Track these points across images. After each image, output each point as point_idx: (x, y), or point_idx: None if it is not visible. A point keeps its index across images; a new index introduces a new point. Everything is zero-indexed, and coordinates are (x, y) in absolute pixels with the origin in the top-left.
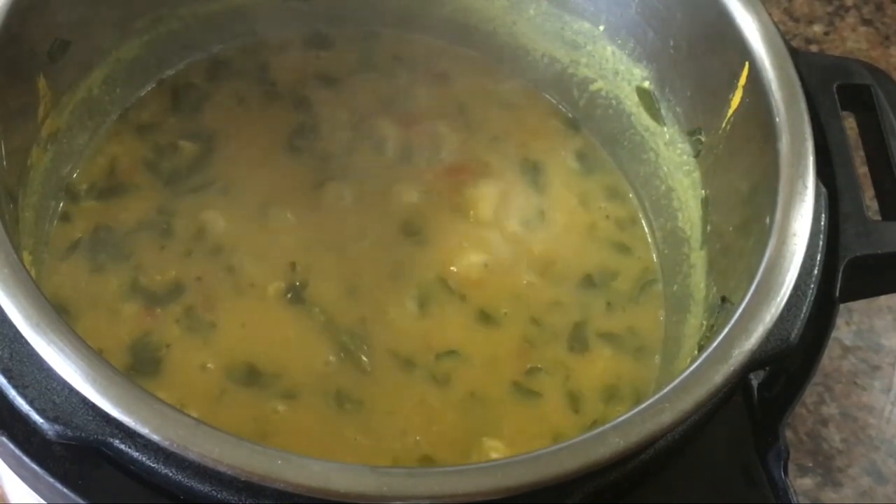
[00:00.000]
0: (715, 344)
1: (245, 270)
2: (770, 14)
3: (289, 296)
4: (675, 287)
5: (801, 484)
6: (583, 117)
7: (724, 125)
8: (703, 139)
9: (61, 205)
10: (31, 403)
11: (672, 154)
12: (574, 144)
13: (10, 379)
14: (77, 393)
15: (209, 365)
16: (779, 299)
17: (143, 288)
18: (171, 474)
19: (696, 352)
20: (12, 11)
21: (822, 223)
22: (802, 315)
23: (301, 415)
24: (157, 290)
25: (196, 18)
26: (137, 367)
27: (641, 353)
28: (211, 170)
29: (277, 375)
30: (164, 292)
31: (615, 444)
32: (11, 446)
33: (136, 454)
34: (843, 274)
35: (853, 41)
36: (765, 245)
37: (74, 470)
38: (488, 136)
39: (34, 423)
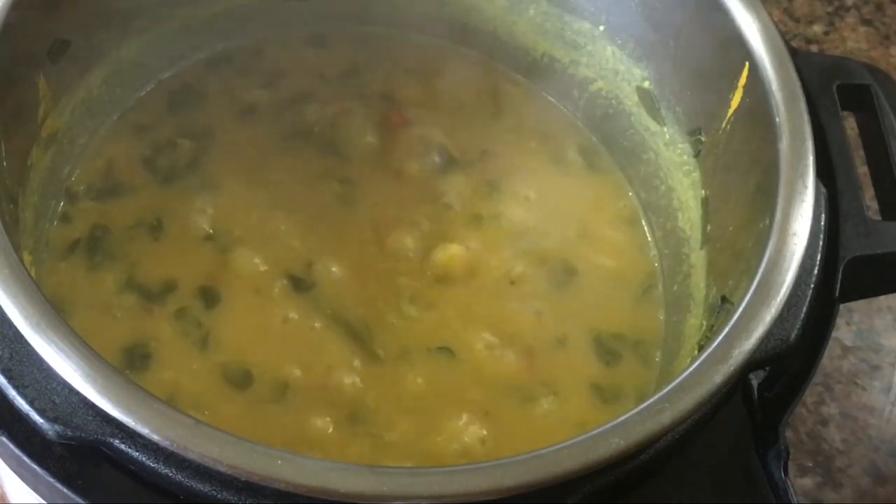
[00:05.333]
0: (715, 344)
1: (244, 269)
2: (770, 14)
3: (292, 293)
4: (675, 287)
5: (801, 484)
6: (583, 117)
7: (724, 125)
8: (703, 139)
9: (61, 205)
10: (31, 403)
11: (672, 154)
12: (574, 144)
13: (10, 379)
14: (77, 393)
15: (208, 364)
16: (779, 299)
17: (141, 287)
18: (171, 474)
19: (696, 352)
20: (12, 11)
21: (822, 223)
22: (802, 315)
23: (302, 413)
24: (154, 289)
25: (196, 18)
26: (133, 367)
27: (642, 354)
28: (209, 169)
29: (277, 372)
30: (161, 292)
31: (615, 444)
32: (11, 446)
33: (136, 454)
34: (843, 274)
35: (853, 41)
36: (765, 245)
37: (74, 470)
38: (488, 136)
39: (34, 423)
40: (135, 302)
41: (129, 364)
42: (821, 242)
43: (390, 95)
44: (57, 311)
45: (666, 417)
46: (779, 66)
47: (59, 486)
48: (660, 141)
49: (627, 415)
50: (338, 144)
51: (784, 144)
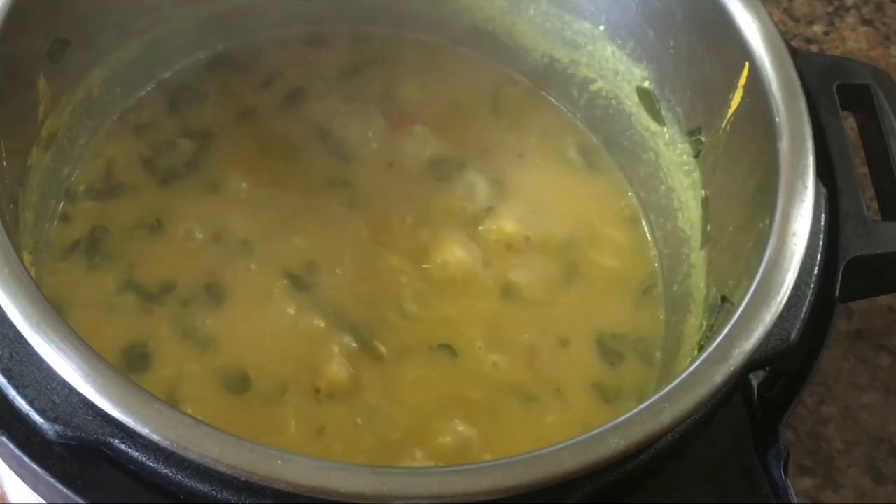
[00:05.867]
0: (715, 344)
1: (244, 269)
2: (770, 14)
3: (293, 292)
4: (675, 287)
5: (801, 484)
6: (583, 117)
7: (724, 125)
8: (703, 139)
9: (61, 205)
10: (31, 403)
11: (672, 154)
12: (574, 144)
13: (10, 379)
14: (77, 393)
15: (208, 364)
16: (779, 299)
17: (140, 288)
18: (171, 474)
19: (696, 352)
20: (12, 11)
21: (822, 223)
22: (802, 315)
23: (304, 413)
24: (154, 290)
25: (196, 18)
26: (132, 368)
27: (643, 354)
28: (209, 169)
29: (278, 373)
30: (160, 293)
31: (615, 444)
32: (11, 446)
33: (136, 454)
34: (843, 274)
35: (853, 41)
36: (765, 245)
37: (74, 470)
38: (487, 136)
39: (34, 423)
40: (134, 302)
41: (128, 365)
42: (821, 242)
43: (390, 95)
44: (57, 311)
45: (666, 417)
46: (779, 66)
47: (59, 486)
48: (660, 141)
49: (627, 415)
50: (338, 144)
51: (784, 144)
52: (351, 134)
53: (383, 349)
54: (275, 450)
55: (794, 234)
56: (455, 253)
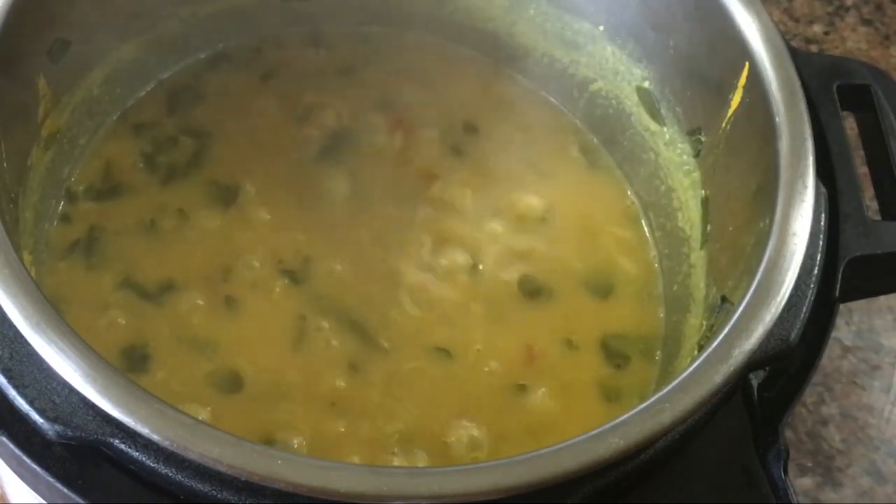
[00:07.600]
0: (715, 344)
1: (244, 269)
2: (770, 14)
3: (294, 292)
4: (675, 287)
5: (801, 484)
6: (583, 117)
7: (724, 125)
8: (703, 139)
9: (61, 205)
10: (31, 403)
11: (672, 154)
12: (574, 144)
13: (10, 379)
14: (77, 393)
15: (209, 364)
16: (779, 299)
17: (139, 288)
18: (171, 474)
19: (696, 352)
20: (12, 11)
21: (822, 223)
22: (802, 315)
23: (305, 410)
24: (153, 290)
25: (196, 18)
26: (132, 368)
27: (643, 354)
28: (208, 170)
29: (279, 372)
30: (159, 292)
31: (615, 444)
32: (11, 446)
33: (136, 454)
34: (843, 274)
35: (853, 41)
36: (765, 245)
37: (74, 470)
38: (487, 136)
39: (34, 423)
40: (133, 302)
41: (127, 365)
42: (821, 242)
43: (390, 95)
44: (56, 310)
45: (666, 417)
46: (779, 66)
47: (59, 486)
48: (660, 141)
49: (627, 415)
50: (337, 143)
51: (784, 144)
52: (350, 133)
53: (386, 345)
54: (275, 450)
55: (794, 234)
56: (456, 253)
